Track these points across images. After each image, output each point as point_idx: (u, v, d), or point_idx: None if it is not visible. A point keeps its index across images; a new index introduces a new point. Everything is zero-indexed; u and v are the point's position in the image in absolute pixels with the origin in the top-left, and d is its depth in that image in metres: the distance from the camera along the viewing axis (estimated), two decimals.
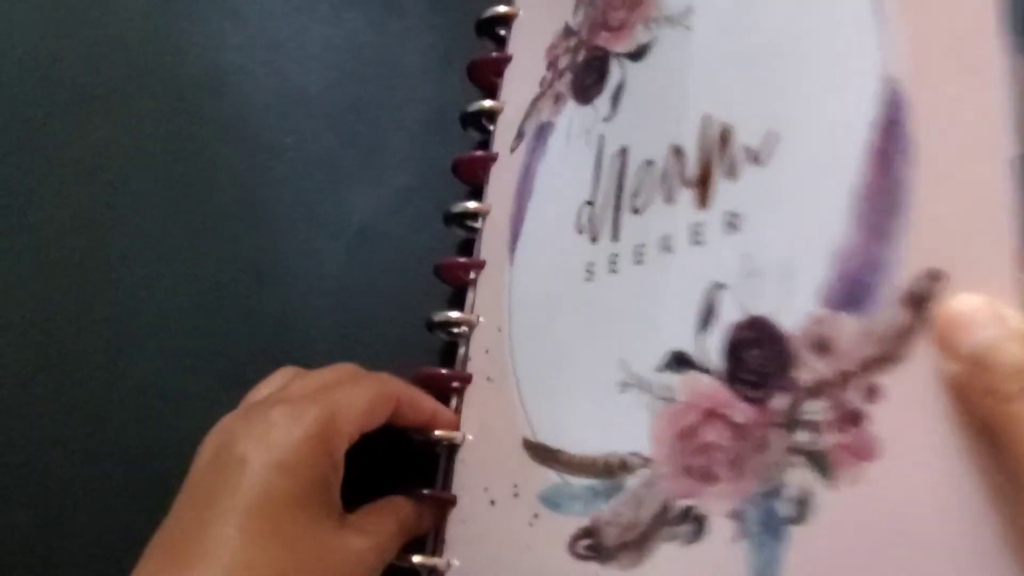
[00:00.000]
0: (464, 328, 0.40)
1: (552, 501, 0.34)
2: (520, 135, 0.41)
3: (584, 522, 0.32)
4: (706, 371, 0.29)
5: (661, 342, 0.31)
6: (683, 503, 0.29)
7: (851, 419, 0.25)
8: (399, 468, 0.40)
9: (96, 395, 0.44)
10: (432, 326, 0.41)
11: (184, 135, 0.48)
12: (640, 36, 0.35)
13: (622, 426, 0.32)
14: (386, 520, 0.36)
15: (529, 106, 0.41)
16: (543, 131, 0.39)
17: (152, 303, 0.45)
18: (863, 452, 0.24)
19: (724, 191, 0.30)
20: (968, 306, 0.22)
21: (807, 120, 0.28)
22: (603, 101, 0.36)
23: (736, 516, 0.27)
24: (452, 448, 0.39)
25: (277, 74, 0.48)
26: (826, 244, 0.26)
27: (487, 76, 0.44)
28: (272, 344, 0.44)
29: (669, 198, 0.32)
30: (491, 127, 0.44)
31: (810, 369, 0.26)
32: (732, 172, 0.30)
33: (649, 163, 0.33)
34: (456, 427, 0.39)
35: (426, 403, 0.38)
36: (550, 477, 0.34)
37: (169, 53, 0.49)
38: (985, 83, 0.23)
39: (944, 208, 0.24)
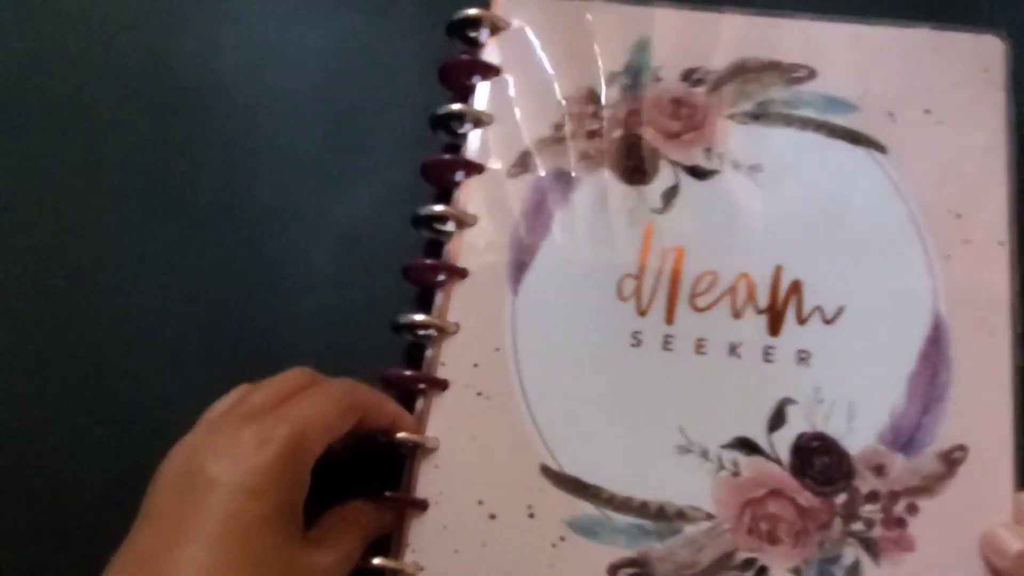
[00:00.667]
0: (432, 331, 0.42)
1: (587, 530, 0.39)
2: (525, 165, 0.45)
3: (629, 554, 0.39)
4: (775, 461, 0.41)
5: (728, 426, 0.41)
6: (746, 555, 0.40)
7: (897, 523, 0.40)
8: (358, 467, 0.39)
9: (84, 399, 0.44)
10: (399, 328, 0.41)
11: (176, 137, 0.49)
12: (700, 159, 0.45)
13: (679, 482, 0.40)
14: (350, 530, 0.37)
15: (538, 142, 0.46)
16: (565, 180, 0.45)
17: (140, 306, 0.46)
18: (903, 545, 0.40)
19: (793, 330, 0.42)
20: (1004, 530, 0.39)
21: (871, 308, 0.42)
22: (652, 192, 0.44)
23: (796, 572, 0.39)
24: (417, 451, 0.41)
25: (271, 76, 0.50)
26: (885, 402, 0.41)
27: (460, 78, 0.47)
28: (262, 346, 0.45)
29: (737, 314, 0.43)
30: (461, 130, 0.46)
31: (867, 482, 0.40)
32: (801, 318, 0.43)
33: (713, 274, 0.43)
34: (419, 431, 0.41)
35: (389, 407, 0.39)
36: (582, 507, 0.40)
37: (163, 56, 0.50)
38: (998, 339, 0.41)
39: (968, 406, 0.41)
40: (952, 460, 0.39)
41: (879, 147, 0.44)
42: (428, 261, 0.42)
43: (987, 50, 0.45)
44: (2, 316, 0.46)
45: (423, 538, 0.38)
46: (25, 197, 0.48)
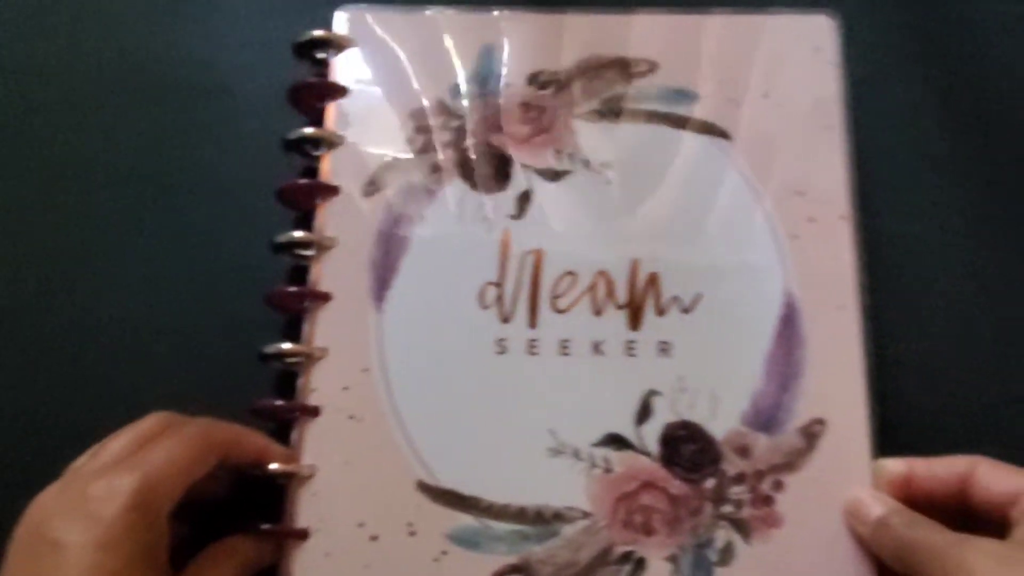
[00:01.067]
0: (300, 358, 0.43)
1: (468, 541, 0.40)
2: (379, 184, 0.46)
3: (511, 560, 0.40)
4: (644, 453, 0.42)
5: (598, 424, 0.42)
6: (624, 549, 0.41)
7: (764, 501, 0.42)
8: (242, 502, 0.40)
9: (80, 398, 0.44)
10: (265, 357, 0.42)
11: (177, 136, 0.49)
12: (551, 161, 0.46)
13: (554, 484, 0.41)
14: (226, 566, 0.37)
15: (390, 159, 0.46)
16: (417, 194, 0.45)
17: (139, 305, 0.46)
18: (771, 522, 0.41)
19: (653, 322, 0.44)
20: (865, 495, 0.41)
21: (726, 294, 0.44)
22: (506, 199, 0.45)
23: (672, 559, 0.41)
24: (291, 480, 0.41)
25: (272, 75, 0.49)
26: (745, 384, 0.43)
27: (309, 101, 0.47)
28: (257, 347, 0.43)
29: (598, 311, 0.44)
30: (316, 152, 0.46)
31: (734, 465, 0.42)
32: (660, 310, 0.44)
33: (572, 274, 0.45)
34: (290, 460, 0.41)
35: (253, 441, 0.39)
36: (461, 519, 0.41)
37: (165, 53, 0.50)
38: (847, 312, 0.43)
39: (823, 380, 0.43)
40: (811, 434, 0.41)
41: (723, 134, 0.45)
42: (290, 288, 0.42)
43: (818, 29, 0.47)
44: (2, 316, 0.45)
45: (306, 567, 0.39)
46: (27, 195, 0.48)
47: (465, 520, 0.40)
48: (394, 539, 0.39)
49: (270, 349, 0.41)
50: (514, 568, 0.39)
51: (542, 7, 0.47)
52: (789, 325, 0.42)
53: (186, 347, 0.45)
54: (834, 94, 0.45)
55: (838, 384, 0.41)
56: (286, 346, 0.41)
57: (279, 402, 0.41)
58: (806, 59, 0.46)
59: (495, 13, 0.47)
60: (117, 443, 0.36)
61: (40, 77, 0.50)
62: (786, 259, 0.43)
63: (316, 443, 0.40)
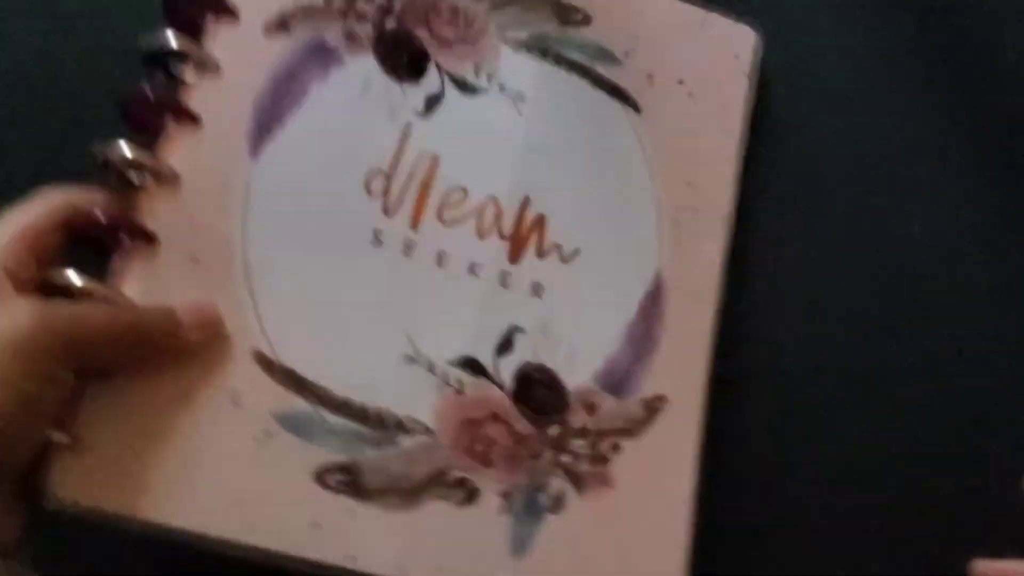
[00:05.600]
0: (147, 176, 0.34)
1: (298, 427, 0.33)
2: (284, 26, 0.38)
3: (339, 458, 0.34)
4: (498, 385, 0.37)
5: (457, 343, 0.37)
6: (460, 474, 0.35)
7: (600, 460, 0.38)
8: None
9: None
10: (106, 163, 0.33)
11: None
12: (469, 74, 0.41)
13: (402, 392, 0.35)
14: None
15: (305, 7, 0.39)
16: (324, 54, 0.38)
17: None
18: (603, 481, 0.37)
19: (532, 261, 0.39)
20: None
21: (604, 256, 0.40)
22: (416, 95, 0.39)
23: (505, 496, 0.36)
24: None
25: None
26: (603, 346, 0.39)
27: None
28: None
29: (481, 234, 0.39)
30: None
31: (579, 418, 0.38)
32: (541, 252, 0.40)
33: (464, 191, 0.39)
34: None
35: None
36: (294, 402, 0.34)
37: None
38: (705, 304, 0.41)
39: (673, 361, 0.40)
40: (653, 408, 0.38)
41: (635, 106, 0.42)
42: (154, 96, 0.33)
43: (740, 38, 0.45)
44: None
45: (95, 411, 0.29)
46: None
47: (298, 403, 0.32)
48: (215, 407, 0.31)
49: (112, 153, 0.31)
50: (342, 468, 0.32)
51: None
52: (654, 301, 0.39)
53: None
54: (740, 102, 0.43)
55: (684, 368, 0.39)
56: (128, 153, 0.31)
57: (112, 213, 0.31)
58: (724, 62, 0.44)
59: None
60: None
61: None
62: (663, 239, 0.40)
63: (144, 276, 0.31)
